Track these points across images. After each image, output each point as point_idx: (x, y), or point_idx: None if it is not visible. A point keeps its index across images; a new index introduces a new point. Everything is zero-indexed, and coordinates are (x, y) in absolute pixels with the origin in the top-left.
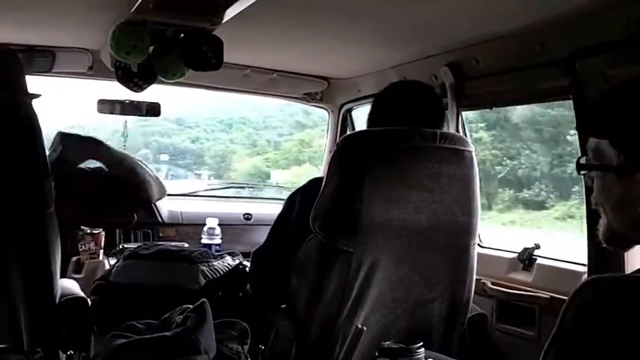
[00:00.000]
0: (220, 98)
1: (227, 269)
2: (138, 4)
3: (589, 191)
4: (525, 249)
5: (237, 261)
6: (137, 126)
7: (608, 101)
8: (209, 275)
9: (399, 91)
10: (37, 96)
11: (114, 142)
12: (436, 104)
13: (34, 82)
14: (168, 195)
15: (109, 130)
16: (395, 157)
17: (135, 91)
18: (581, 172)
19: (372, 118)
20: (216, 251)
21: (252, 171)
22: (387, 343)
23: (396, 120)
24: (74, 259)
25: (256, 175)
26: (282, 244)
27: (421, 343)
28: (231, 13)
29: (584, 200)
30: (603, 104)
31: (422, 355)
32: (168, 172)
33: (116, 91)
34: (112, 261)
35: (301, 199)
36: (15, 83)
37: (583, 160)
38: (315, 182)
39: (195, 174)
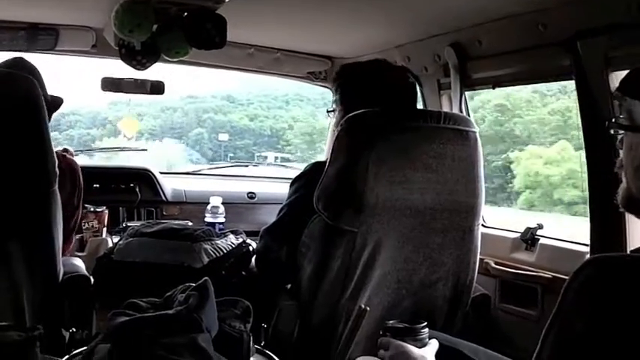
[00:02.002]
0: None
1: (230, 248)
2: None
3: (591, 174)
4: (528, 229)
5: (241, 239)
6: (186, 103)
7: None
8: (212, 254)
9: (363, 73)
10: (59, 102)
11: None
12: (409, 81)
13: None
14: (172, 173)
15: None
16: (400, 138)
17: (138, 69)
18: (611, 131)
19: (350, 102)
20: (220, 230)
21: None
22: (391, 322)
23: (377, 101)
24: (77, 236)
25: None
26: (290, 223)
27: (425, 323)
28: None
29: (588, 182)
30: None
31: (426, 335)
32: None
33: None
34: (115, 239)
35: (306, 180)
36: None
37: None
38: (317, 165)
39: (260, 157)
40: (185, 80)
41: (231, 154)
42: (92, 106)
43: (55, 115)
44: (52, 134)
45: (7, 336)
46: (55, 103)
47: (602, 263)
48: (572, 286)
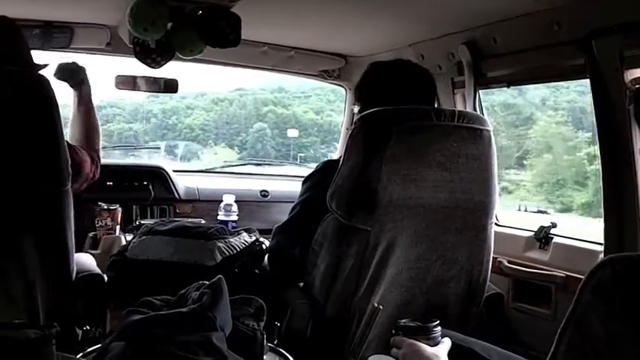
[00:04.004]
0: None
1: (244, 246)
2: None
3: (606, 174)
4: (542, 227)
5: (254, 237)
6: (237, 95)
7: None
8: (225, 252)
9: (385, 71)
10: (44, 66)
11: None
12: (426, 81)
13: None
14: (185, 171)
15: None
16: (413, 136)
17: (152, 67)
18: None
19: (366, 100)
20: (233, 228)
21: None
22: (404, 320)
23: (389, 99)
24: (91, 234)
25: None
26: (303, 222)
27: (438, 321)
28: None
29: (602, 181)
30: None
31: (439, 333)
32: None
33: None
34: (129, 237)
35: (319, 178)
36: (24, 57)
37: None
38: (331, 163)
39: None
40: (234, 71)
41: (301, 154)
42: (132, 98)
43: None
44: None
45: (23, 334)
46: (39, 65)
47: (618, 263)
48: (588, 286)
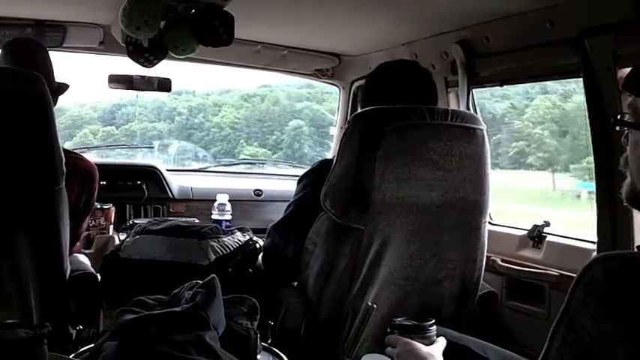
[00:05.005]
0: None
1: (237, 245)
2: None
3: (598, 173)
4: (535, 226)
5: (248, 237)
6: (266, 90)
7: None
8: (219, 251)
9: (392, 71)
10: (65, 87)
11: None
12: (430, 82)
13: None
14: (179, 170)
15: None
16: (407, 135)
17: (145, 66)
18: (617, 128)
19: (367, 99)
20: (227, 227)
21: None
22: (400, 319)
23: (393, 100)
24: (84, 234)
25: None
26: (298, 220)
27: (433, 321)
28: None
29: (595, 179)
30: None
31: (434, 332)
32: None
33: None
34: (122, 236)
35: (314, 177)
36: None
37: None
38: (325, 162)
39: None
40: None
41: None
42: (154, 95)
43: (106, 107)
44: (109, 129)
45: (14, 333)
46: (61, 88)
47: (610, 260)
48: (580, 283)
